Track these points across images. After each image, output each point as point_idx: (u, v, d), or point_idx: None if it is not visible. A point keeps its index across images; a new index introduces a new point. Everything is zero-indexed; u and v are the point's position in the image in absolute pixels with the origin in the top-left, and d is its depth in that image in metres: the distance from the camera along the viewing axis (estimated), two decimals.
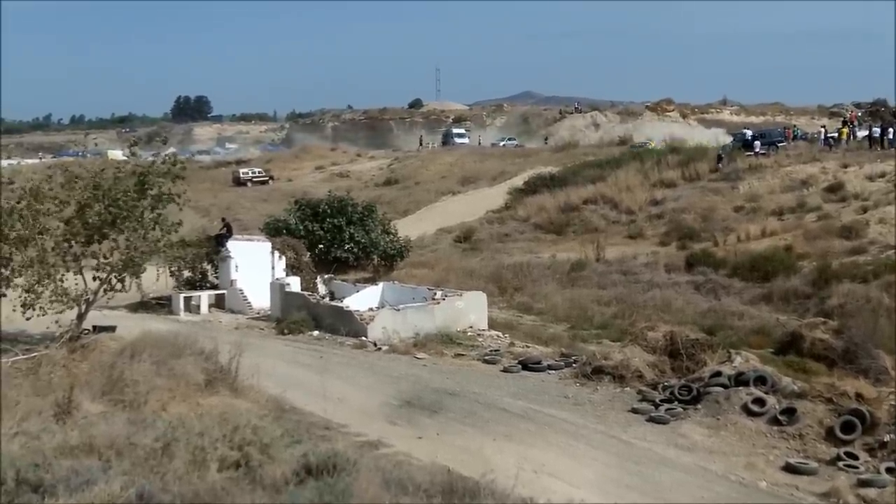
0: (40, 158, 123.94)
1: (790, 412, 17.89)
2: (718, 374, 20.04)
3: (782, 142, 71.45)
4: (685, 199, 59.47)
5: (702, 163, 65.93)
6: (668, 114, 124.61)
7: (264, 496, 8.93)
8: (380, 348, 26.65)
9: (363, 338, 27.50)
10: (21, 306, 22.51)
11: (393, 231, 45.59)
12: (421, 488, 9.50)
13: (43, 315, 22.66)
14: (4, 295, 22.81)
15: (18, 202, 23.02)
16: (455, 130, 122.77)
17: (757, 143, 68.32)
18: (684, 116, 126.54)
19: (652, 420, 18.81)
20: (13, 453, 10.70)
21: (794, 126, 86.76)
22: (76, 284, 23.51)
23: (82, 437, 11.95)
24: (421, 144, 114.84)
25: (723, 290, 40.69)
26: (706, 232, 52.53)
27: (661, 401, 19.79)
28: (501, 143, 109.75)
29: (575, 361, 23.90)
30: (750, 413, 18.21)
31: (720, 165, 64.54)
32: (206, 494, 9.03)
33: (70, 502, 8.65)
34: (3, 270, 22.70)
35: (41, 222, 23.00)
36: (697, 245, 49.92)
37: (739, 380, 19.57)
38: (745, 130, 77.93)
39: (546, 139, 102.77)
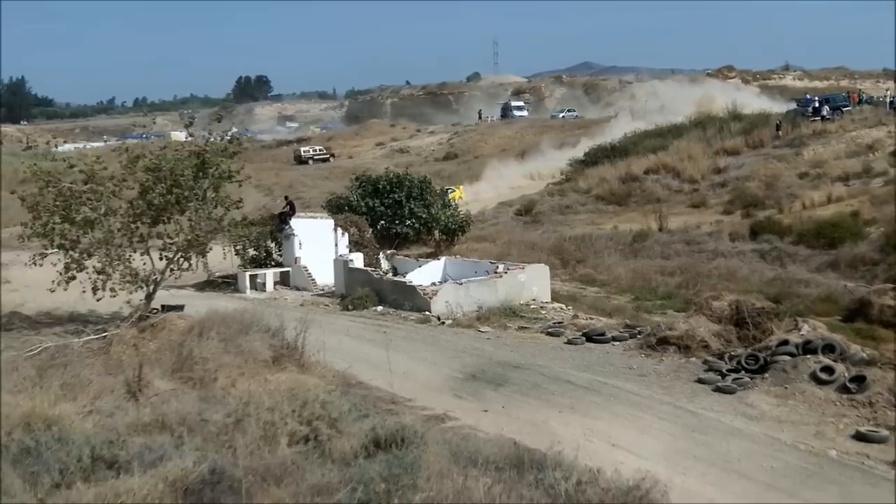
0: (105, 141, 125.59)
1: (859, 380, 17.66)
2: (785, 342, 19.83)
3: (847, 106, 70.18)
4: (748, 166, 58.77)
5: (765, 129, 65.06)
6: (729, 80, 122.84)
7: (334, 469, 9.03)
8: (443, 322, 26.76)
9: (427, 312, 27.62)
10: (92, 289, 22.91)
11: (452, 205, 45.55)
12: (489, 461, 9.55)
13: (114, 296, 23.06)
14: (74, 277, 23.20)
15: (85, 183, 23.39)
16: (514, 103, 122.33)
17: (825, 107, 67.13)
18: (746, 83, 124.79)
19: (718, 390, 18.66)
20: (87, 431, 10.92)
21: (859, 90, 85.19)
22: (144, 265, 23.87)
23: (154, 414, 12.16)
24: (480, 118, 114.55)
25: (788, 258, 40.25)
26: (770, 199, 51.90)
27: (728, 370, 19.62)
28: (561, 115, 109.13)
29: (639, 332, 23.78)
30: (818, 381, 18.01)
31: (779, 133, 63.67)
32: (277, 468, 9.15)
33: (144, 478, 8.80)
34: (72, 253, 23.09)
35: (106, 204, 23.36)
36: (762, 213, 49.32)
37: (807, 348, 19.36)
38: (808, 95, 76.60)
39: (616, 114, 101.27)
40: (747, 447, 15.41)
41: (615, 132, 77.08)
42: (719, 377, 19.32)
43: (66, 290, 23.21)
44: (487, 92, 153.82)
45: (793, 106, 75.55)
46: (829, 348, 19.16)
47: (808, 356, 18.92)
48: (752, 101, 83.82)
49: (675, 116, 77.94)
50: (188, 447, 10.05)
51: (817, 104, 68.58)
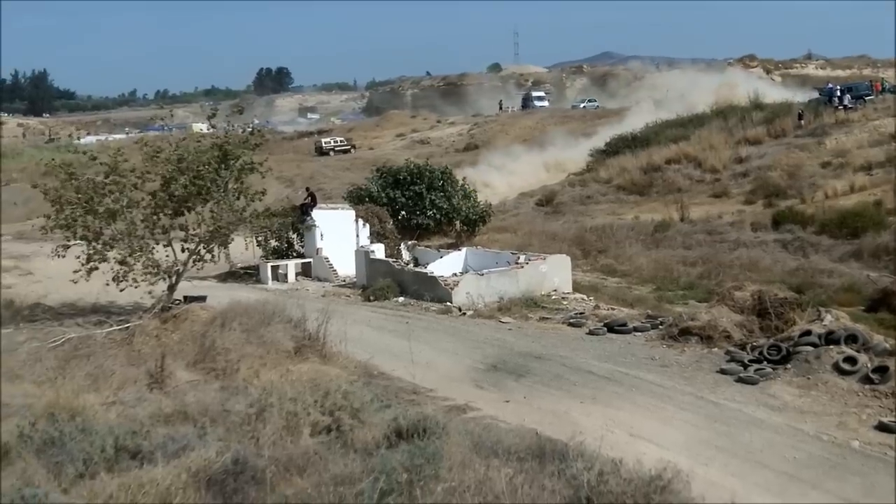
0: (127, 133, 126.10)
1: (882, 370, 17.56)
2: (808, 332, 19.72)
3: (869, 95, 69.68)
4: (770, 156, 58.44)
5: (787, 119, 64.69)
6: (751, 70, 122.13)
7: (356, 459, 9.07)
8: (465, 313, 26.77)
9: (448, 303, 27.64)
10: (113, 279, 23.04)
11: (473, 196, 45.51)
12: (511, 451, 9.56)
13: (136, 287, 23.18)
14: (97, 268, 23.33)
15: (107, 176, 23.50)
16: (535, 93, 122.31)
17: (846, 96, 66.75)
18: (768, 72, 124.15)
19: (741, 380, 18.59)
20: (111, 421, 11.00)
21: (882, 79, 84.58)
22: (166, 256, 23.99)
23: (177, 404, 12.23)
24: (501, 108, 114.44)
25: (811, 248, 40.10)
26: (793, 189, 51.60)
27: (750, 361, 19.52)
28: (581, 105, 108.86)
29: (661, 323, 23.71)
30: (841, 372, 17.92)
31: (802, 122, 63.31)
32: (299, 458, 9.19)
33: (168, 468, 8.86)
34: (95, 244, 23.21)
35: (128, 196, 23.48)
36: (784, 203, 49.07)
37: (830, 338, 19.25)
38: (830, 84, 76.12)
39: (638, 102, 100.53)
40: (769, 438, 15.36)
41: (634, 122, 76.59)
42: (741, 368, 19.24)
43: (88, 281, 23.36)
44: (508, 82, 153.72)
45: (812, 95, 75.09)
46: (851, 339, 19.04)
47: (831, 346, 18.82)
48: (770, 91, 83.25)
49: (696, 106, 77.54)
50: (211, 437, 10.12)
51: (839, 93, 68.15)
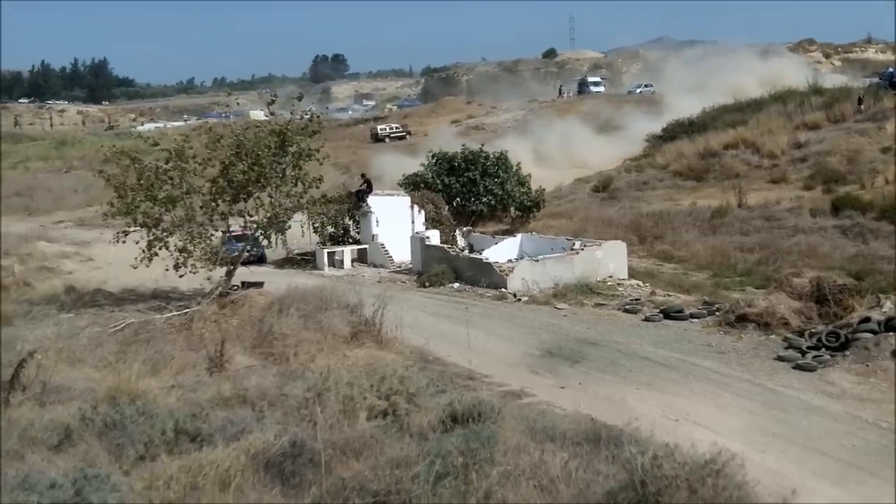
0: (185, 121, 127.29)
1: None
2: (867, 319, 19.52)
3: None
4: (829, 141, 57.49)
5: (847, 103, 63.68)
6: (809, 54, 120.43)
7: (412, 443, 9.14)
8: (520, 299, 26.80)
9: (503, 289, 27.68)
10: (174, 267, 23.34)
11: (527, 182, 45.34)
12: (566, 436, 9.59)
13: (195, 273, 23.47)
14: (157, 254, 23.65)
15: (167, 162, 23.78)
16: (591, 79, 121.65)
17: None
18: (827, 56, 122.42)
19: (798, 367, 18.47)
20: (171, 405, 11.19)
21: None
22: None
23: (235, 388, 12.40)
24: (560, 94, 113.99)
25: (871, 234, 39.44)
26: (852, 174, 50.74)
27: (808, 348, 19.39)
28: (638, 90, 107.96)
29: (718, 309, 23.59)
30: None
31: (861, 107, 62.30)
32: (356, 442, 9.28)
33: (227, 450, 9.00)
34: (155, 231, 23.52)
35: (188, 182, 23.74)
36: (843, 188, 48.31)
37: (889, 325, 19.03)
38: (891, 69, 74.81)
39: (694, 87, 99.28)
40: (828, 425, 15.25)
41: (687, 108, 75.60)
42: (799, 354, 19.12)
43: (148, 267, 23.68)
44: (564, 68, 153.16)
45: (872, 79, 73.82)
46: None
47: (891, 333, 18.63)
48: (825, 76, 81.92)
49: (750, 90, 76.54)
50: (269, 421, 10.26)
51: None
